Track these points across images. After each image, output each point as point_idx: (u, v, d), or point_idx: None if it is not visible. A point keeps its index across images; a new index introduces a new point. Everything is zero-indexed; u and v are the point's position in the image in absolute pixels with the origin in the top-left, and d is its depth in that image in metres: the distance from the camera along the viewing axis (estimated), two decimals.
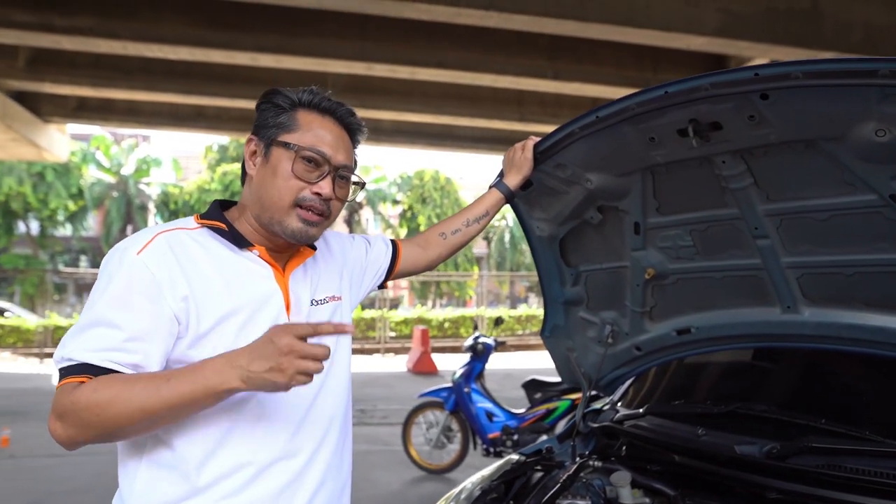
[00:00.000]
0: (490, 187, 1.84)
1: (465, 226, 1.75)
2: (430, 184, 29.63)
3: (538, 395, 5.38)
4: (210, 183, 27.60)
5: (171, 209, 28.43)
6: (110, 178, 29.00)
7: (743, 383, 2.27)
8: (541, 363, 13.53)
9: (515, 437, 5.17)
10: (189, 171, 35.67)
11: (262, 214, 1.27)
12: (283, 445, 1.24)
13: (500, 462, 2.24)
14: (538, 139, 1.80)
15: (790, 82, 1.30)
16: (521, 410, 5.41)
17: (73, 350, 1.09)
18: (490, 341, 5.70)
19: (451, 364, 13.00)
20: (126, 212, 29.09)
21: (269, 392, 1.09)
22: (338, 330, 1.08)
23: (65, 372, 1.09)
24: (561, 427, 5.36)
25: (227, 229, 1.26)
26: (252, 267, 1.26)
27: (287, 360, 1.02)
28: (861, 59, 1.19)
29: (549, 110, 12.65)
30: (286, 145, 1.25)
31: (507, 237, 32.72)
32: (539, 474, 2.18)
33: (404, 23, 9.01)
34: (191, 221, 1.28)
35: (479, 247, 33.73)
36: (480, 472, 2.21)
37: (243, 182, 1.34)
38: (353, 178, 1.35)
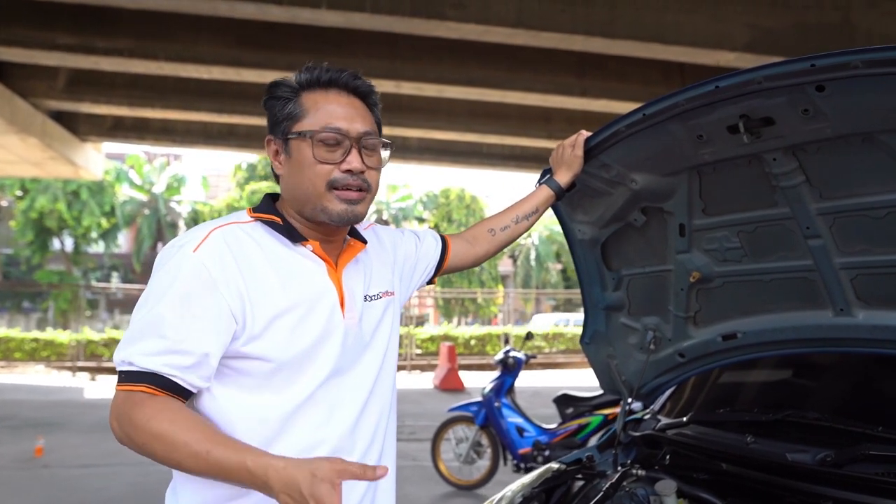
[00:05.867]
0: (539, 184, 1.81)
1: (514, 223, 1.72)
2: (455, 202, 29.69)
3: (570, 410, 5.31)
4: (239, 201, 28.03)
5: None
6: (142, 196, 29.62)
7: (789, 391, 2.21)
8: (570, 381, 13.37)
9: (547, 452, 5.09)
10: (219, 189, 36.29)
11: (303, 209, 1.26)
12: (340, 441, 1.23)
13: (540, 470, 2.20)
14: (588, 135, 1.78)
15: (849, 72, 1.26)
16: (553, 426, 5.33)
17: (133, 354, 1.09)
18: (521, 356, 5.64)
19: (478, 381, 12.89)
20: (157, 229, 29.64)
21: None
22: (378, 476, 1.03)
23: (125, 377, 1.10)
24: (593, 442, 5.27)
25: (281, 223, 1.25)
26: (305, 262, 1.25)
27: None
28: None
29: (576, 128, 12.24)
30: (300, 135, 1.23)
31: (532, 255, 32.57)
32: (580, 483, 2.14)
33: (433, 41, 9.09)
34: (244, 215, 1.27)
35: (504, 265, 33.62)
36: (520, 479, 2.17)
37: (278, 183, 1.33)
38: (381, 142, 1.30)
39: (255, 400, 1.17)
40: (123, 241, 31.87)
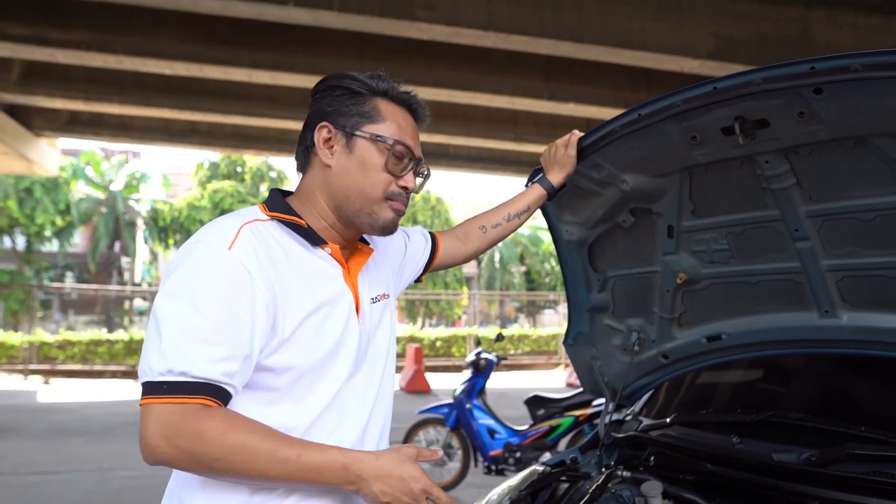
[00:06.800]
0: (531, 183, 1.79)
1: (505, 220, 1.71)
2: (420, 203, 29.63)
3: (541, 412, 5.32)
4: (200, 200, 27.45)
5: (159, 226, 28.23)
6: (99, 194, 28.75)
7: (769, 391, 2.24)
8: (535, 382, 13.45)
9: (518, 454, 5.10)
10: (179, 187, 35.54)
11: (344, 205, 1.24)
12: (352, 446, 1.19)
13: (525, 472, 2.18)
14: (581, 135, 1.77)
15: (848, 75, 1.28)
16: (524, 427, 5.34)
17: (187, 363, 1.01)
18: (492, 357, 5.63)
19: (444, 383, 12.88)
20: (114, 228, 28.83)
21: None
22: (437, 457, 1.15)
23: (171, 387, 1.01)
24: (563, 444, 5.30)
25: (305, 226, 1.21)
26: (323, 266, 1.22)
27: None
28: None
29: (543, 131, 12.76)
30: (376, 138, 1.22)
31: (496, 257, 32.73)
32: (565, 485, 2.13)
33: (403, 41, 9.05)
34: (258, 212, 1.21)
35: (468, 267, 33.70)
36: (506, 482, 2.15)
37: (301, 169, 1.30)
38: (424, 170, 1.34)
39: (276, 410, 1.12)
40: (80, 239, 30.89)
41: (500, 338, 5.83)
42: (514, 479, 2.14)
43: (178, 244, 28.00)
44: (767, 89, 1.39)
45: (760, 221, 1.73)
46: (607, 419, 2.31)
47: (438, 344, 18.01)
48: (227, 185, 27.39)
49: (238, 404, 1.10)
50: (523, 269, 34.10)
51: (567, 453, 2.28)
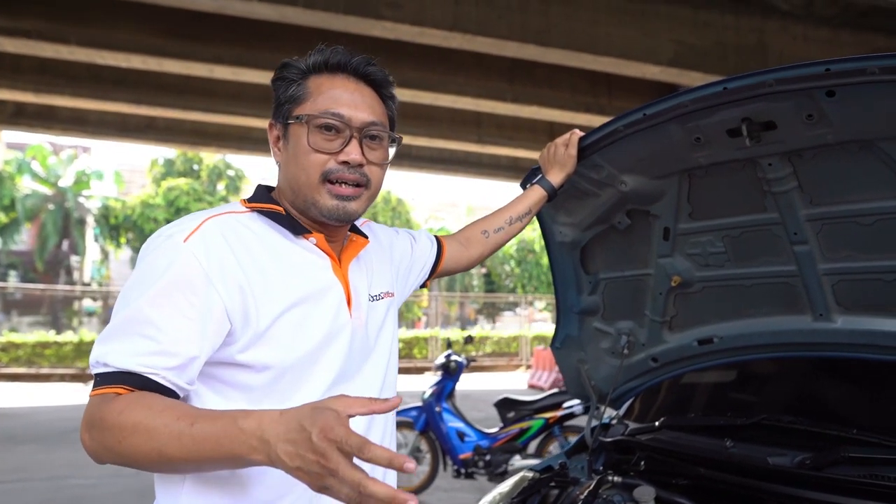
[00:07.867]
0: (531, 184, 1.74)
1: (507, 224, 1.66)
2: (381, 204, 29.44)
3: (511, 415, 5.29)
4: (154, 198, 26.66)
5: (111, 224, 27.32)
6: (47, 190, 27.65)
7: (755, 395, 2.25)
8: (497, 384, 13.47)
9: (487, 457, 5.06)
10: (132, 184, 34.47)
11: (296, 200, 1.16)
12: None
13: (514, 479, 2.13)
14: (582, 134, 1.73)
15: (864, 78, 1.27)
16: (494, 430, 5.31)
17: (109, 354, 0.96)
18: (462, 359, 5.59)
19: (406, 385, 12.78)
20: (63, 225, 27.75)
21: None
22: (393, 465, 0.78)
23: (100, 379, 0.96)
24: (534, 446, 5.29)
25: (284, 213, 1.14)
26: (309, 256, 1.15)
27: (314, 464, 0.79)
28: None
29: (506, 133, 12.83)
30: (298, 119, 1.13)
31: None
32: (555, 492, 2.09)
33: (368, 40, 8.94)
34: (238, 205, 1.16)
35: None
36: (497, 489, 2.10)
37: None
38: (387, 136, 1.20)
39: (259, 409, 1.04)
40: (26, 237, 29.63)
41: (469, 340, 5.79)
42: (504, 486, 2.09)
43: (130, 243, 27.19)
44: (779, 91, 1.38)
45: (758, 224, 1.72)
46: (594, 423, 2.29)
47: (400, 346, 17.90)
48: (182, 182, 26.66)
49: (216, 400, 1.04)
50: (483, 270, 34.24)
51: (555, 458, 2.25)
